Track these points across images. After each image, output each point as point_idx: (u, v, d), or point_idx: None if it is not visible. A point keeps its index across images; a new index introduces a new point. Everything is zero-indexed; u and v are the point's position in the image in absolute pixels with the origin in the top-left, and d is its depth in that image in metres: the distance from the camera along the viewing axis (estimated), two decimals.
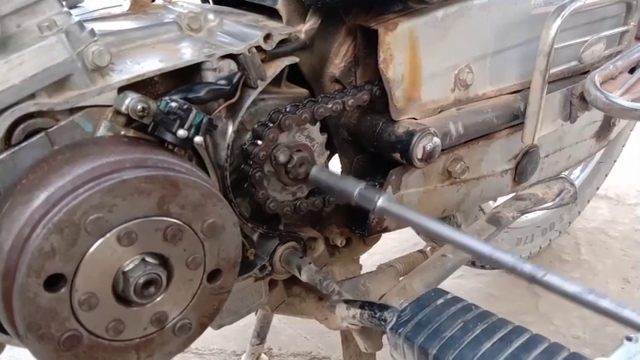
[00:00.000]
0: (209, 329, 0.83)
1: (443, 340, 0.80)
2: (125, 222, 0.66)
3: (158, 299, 0.72)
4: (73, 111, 0.75)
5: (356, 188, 0.83)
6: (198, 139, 0.78)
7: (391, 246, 1.95)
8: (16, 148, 0.71)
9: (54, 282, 0.64)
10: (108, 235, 0.66)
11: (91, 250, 0.65)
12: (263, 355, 1.64)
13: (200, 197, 0.71)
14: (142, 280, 0.69)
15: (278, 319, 1.65)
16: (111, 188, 0.64)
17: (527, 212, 1.25)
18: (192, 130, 0.77)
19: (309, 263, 0.98)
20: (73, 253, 0.64)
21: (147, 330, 0.73)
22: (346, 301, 1.00)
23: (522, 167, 1.23)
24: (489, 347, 0.78)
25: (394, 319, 0.87)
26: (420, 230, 0.78)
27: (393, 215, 0.81)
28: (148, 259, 0.70)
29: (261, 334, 1.58)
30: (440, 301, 0.87)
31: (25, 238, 0.63)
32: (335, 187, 0.87)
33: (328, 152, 1.01)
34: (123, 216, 0.66)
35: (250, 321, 1.56)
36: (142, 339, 0.73)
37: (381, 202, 0.81)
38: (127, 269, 0.69)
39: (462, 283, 1.88)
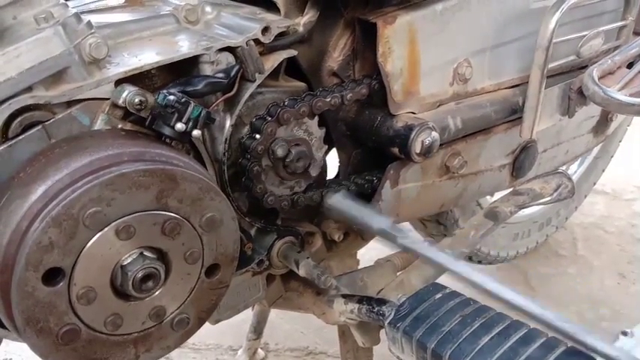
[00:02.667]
0: (206, 324, 0.83)
1: (441, 334, 0.80)
2: (123, 216, 0.66)
3: (156, 293, 0.72)
4: (70, 104, 0.74)
5: (380, 224, 0.86)
6: (196, 132, 0.77)
7: None
8: (13, 141, 0.71)
9: (52, 276, 0.64)
10: (106, 228, 0.65)
11: (90, 243, 0.65)
12: (260, 350, 1.63)
13: (198, 191, 0.71)
14: (140, 274, 0.68)
15: (275, 315, 1.65)
16: (109, 182, 0.64)
17: (525, 207, 1.25)
18: (190, 124, 0.76)
19: (307, 258, 0.98)
20: (72, 247, 0.63)
21: (145, 324, 0.73)
22: (344, 296, 1.00)
23: (520, 162, 1.23)
24: (488, 341, 0.78)
25: (392, 314, 0.87)
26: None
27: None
28: (147, 253, 0.70)
29: (257, 330, 1.58)
30: (438, 295, 0.87)
31: (24, 232, 0.62)
32: (357, 218, 0.87)
33: (326, 147, 1.01)
34: (121, 210, 0.66)
35: (247, 316, 1.55)
36: (140, 333, 0.73)
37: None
38: (125, 263, 0.68)
39: None
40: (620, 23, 1.22)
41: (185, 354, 1.65)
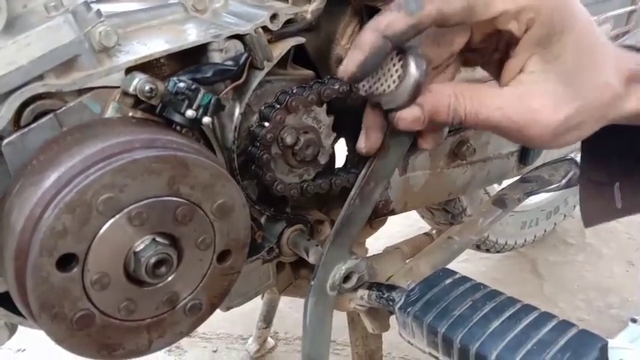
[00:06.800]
0: (216, 313, 0.84)
1: (452, 318, 0.80)
2: (136, 202, 0.66)
3: (169, 279, 0.72)
4: (81, 92, 0.74)
5: None
6: (206, 119, 0.77)
7: (396, 230, 1.95)
8: (26, 129, 0.71)
9: (66, 261, 0.64)
10: (119, 215, 0.66)
11: (103, 229, 0.65)
12: (269, 339, 1.65)
13: (210, 178, 0.71)
14: (153, 260, 0.68)
15: (284, 303, 1.66)
16: (122, 168, 0.64)
17: (533, 194, 1.25)
18: (201, 111, 0.77)
19: (317, 245, 0.99)
20: (85, 233, 0.64)
21: (158, 310, 0.73)
22: None
23: (528, 149, 1.23)
24: (498, 325, 0.78)
25: (403, 299, 0.87)
26: None
27: None
28: (159, 239, 0.70)
29: (267, 318, 1.59)
30: (448, 280, 0.87)
31: (37, 218, 0.63)
32: None
33: (335, 134, 1.01)
34: (134, 196, 0.66)
35: (256, 305, 1.57)
36: (153, 319, 0.73)
37: None
38: (138, 249, 0.69)
39: (466, 267, 1.89)
40: (629, 8, 1.21)
41: (196, 343, 1.66)
